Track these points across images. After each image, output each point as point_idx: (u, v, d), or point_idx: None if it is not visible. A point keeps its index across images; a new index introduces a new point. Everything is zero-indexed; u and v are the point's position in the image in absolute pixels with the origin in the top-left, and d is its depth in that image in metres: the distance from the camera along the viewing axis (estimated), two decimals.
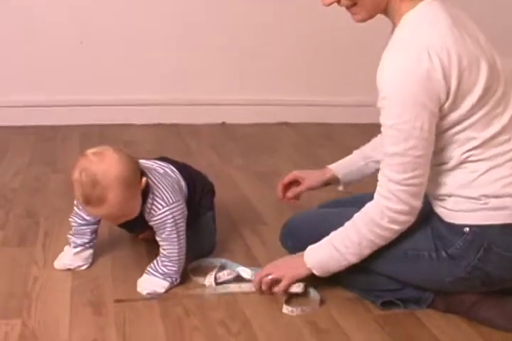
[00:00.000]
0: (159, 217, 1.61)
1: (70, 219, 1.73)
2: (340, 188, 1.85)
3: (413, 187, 1.42)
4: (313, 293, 1.63)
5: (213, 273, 1.69)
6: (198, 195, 1.79)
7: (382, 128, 1.42)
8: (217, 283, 1.67)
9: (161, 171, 1.70)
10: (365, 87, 3.28)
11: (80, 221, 1.71)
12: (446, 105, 1.38)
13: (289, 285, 1.59)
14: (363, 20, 1.48)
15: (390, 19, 1.48)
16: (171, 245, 1.63)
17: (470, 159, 1.44)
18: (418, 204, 1.44)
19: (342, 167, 1.83)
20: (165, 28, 3.08)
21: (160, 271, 1.64)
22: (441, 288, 1.58)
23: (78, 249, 1.73)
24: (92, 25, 3.00)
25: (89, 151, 1.53)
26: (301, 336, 1.49)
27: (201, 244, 1.79)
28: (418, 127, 1.36)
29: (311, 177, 1.85)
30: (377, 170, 1.72)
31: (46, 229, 1.95)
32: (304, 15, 3.19)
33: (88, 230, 1.73)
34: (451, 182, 1.46)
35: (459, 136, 1.42)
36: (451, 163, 1.45)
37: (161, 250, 1.65)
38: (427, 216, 1.53)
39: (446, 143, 1.44)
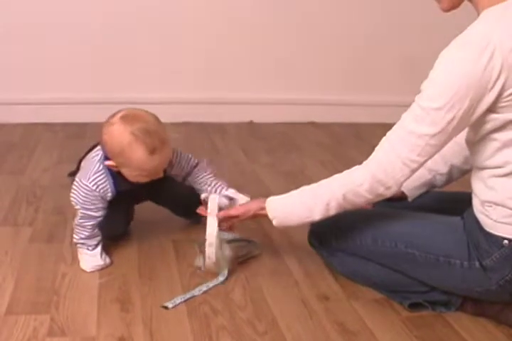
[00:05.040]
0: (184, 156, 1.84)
1: (84, 227, 1.72)
2: (410, 200, 1.78)
3: (408, 168, 1.40)
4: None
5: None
6: None
7: (413, 104, 1.38)
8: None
9: None
10: (393, 86, 3.30)
11: (93, 222, 1.72)
12: (500, 105, 1.33)
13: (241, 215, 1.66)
14: (448, 10, 1.41)
15: (475, 9, 1.40)
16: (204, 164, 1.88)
17: None
18: (401, 182, 1.43)
19: (407, 183, 1.76)
20: (193, 27, 3.08)
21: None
22: (470, 296, 1.56)
23: (98, 248, 1.75)
24: (120, 23, 3.01)
25: (116, 119, 1.63)
26: (329, 337, 1.48)
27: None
28: (447, 119, 1.33)
29: None
30: (444, 183, 1.74)
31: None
32: (331, 15, 3.18)
33: (97, 229, 1.74)
34: (504, 190, 1.39)
35: None
36: (508, 169, 1.37)
37: (201, 175, 1.86)
38: (465, 221, 1.50)
39: (503, 146, 1.37)
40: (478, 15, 1.37)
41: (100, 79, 3.09)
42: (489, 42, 1.28)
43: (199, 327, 1.49)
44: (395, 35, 3.23)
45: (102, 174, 1.68)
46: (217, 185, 1.86)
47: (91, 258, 1.73)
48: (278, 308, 1.59)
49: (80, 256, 1.75)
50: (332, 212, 1.52)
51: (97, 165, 1.69)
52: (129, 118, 1.62)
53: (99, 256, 1.73)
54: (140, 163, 1.61)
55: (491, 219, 1.41)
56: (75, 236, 1.74)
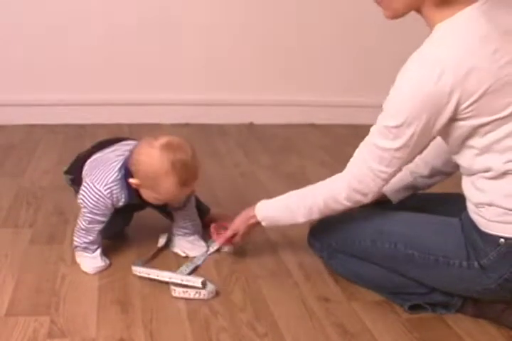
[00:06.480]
0: None
1: (91, 231, 1.71)
2: (394, 203, 1.81)
3: (379, 178, 1.47)
4: (210, 286, 1.64)
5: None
6: None
7: (377, 120, 1.46)
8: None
9: None
10: None
11: (100, 227, 1.72)
12: (460, 117, 1.37)
13: (245, 235, 1.76)
14: (391, 18, 1.47)
15: (426, 24, 1.44)
16: (193, 209, 1.88)
17: None
18: (376, 190, 1.50)
19: (390, 186, 1.77)
20: (193, 28, 3.08)
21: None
22: (470, 296, 1.56)
23: (99, 250, 1.75)
24: (121, 25, 3.02)
25: (159, 143, 1.62)
26: (329, 338, 1.48)
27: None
28: (408, 134, 1.39)
29: None
30: (427, 185, 1.78)
31: (74, 227, 1.96)
32: (332, 16, 3.18)
33: (99, 234, 1.74)
34: (494, 191, 1.41)
35: (497, 145, 1.38)
36: (494, 172, 1.39)
37: (184, 218, 1.85)
38: (462, 221, 1.51)
39: (481, 152, 1.40)
40: (431, 29, 1.41)
41: (100, 81, 3.09)
42: (440, 59, 1.33)
43: (199, 328, 1.49)
44: (396, 37, 3.23)
45: (118, 183, 1.68)
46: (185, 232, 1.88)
47: (92, 260, 1.73)
48: (278, 310, 1.59)
49: (79, 259, 1.75)
50: (315, 216, 1.61)
51: (116, 174, 1.68)
52: (173, 146, 1.63)
53: (99, 258, 1.73)
54: (168, 192, 1.64)
55: (485, 218, 1.43)
56: (77, 240, 1.73)
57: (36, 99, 3.05)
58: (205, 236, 1.90)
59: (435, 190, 1.81)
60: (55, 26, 2.96)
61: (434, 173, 1.76)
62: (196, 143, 2.86)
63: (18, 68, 2.99)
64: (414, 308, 1.60)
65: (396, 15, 1.46)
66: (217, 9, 3.09)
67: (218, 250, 1.85)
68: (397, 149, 1.42)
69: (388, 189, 1.78)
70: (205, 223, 1.94)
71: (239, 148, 2.91)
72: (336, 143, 3.05)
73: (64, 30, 2.97)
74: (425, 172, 1.76)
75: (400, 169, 1.49)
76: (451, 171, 1.70)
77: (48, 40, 2.98)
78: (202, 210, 1.97)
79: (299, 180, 2.48)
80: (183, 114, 3.16)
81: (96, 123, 3.05)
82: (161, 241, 1.87)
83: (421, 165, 1.76)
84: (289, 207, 1.63)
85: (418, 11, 1.43)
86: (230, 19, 3.11)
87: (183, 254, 1.83)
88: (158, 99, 3.13)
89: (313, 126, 3.31)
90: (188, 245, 1.86)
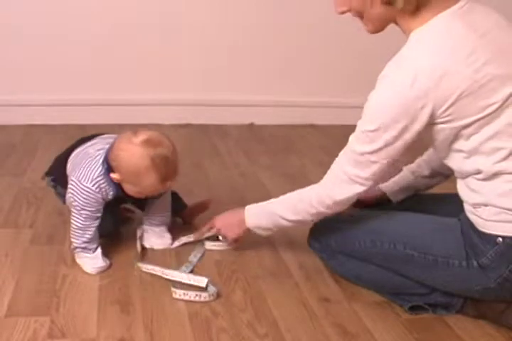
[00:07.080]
0: None
1: (87, 229, 1.71)
2: (394, 202, 1.84)
3: (355, 183, 1.49)
4: (211, 288, 1.65)
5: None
6: None
7: (356, 126, 1.47)
8: None
9: None
10: None
11: (96, 223, 1.72)
12: (439, 121, 1.38)
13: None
14: (372, 32, 1.51)
15: (403, 32, 1.47)
16: (168, 201, 1.89)
17: (504, 170, 1.39)
18: (352, 196, 1.52)
19: (391, 185, 1.82)
20: (193, 28, 3.08)
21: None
22: (470, 296, 1.57)
23: (99, 249, 1.75)
24: (121, 25, 3.01)
25: (139, 140, 1.62)
26: (329, 339, 1.49)
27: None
28: (385, 138, 1.41)
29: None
30: (427, 186, 1.81)
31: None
32: (333, 16, 3.18)
33: (96, 231, 1.74)
34: (488, 192, 1.41)
35: (483, 147, 1.39)
36: (484, 174, 1.40)
37: (156, 207, 1.87)
38: (460, 222, 1.51)
39: (469, 155, 1.41)
40: (407, 36, 1.44)
41: (100, 81, 3.08)
42: (415, 64, 1.35)
43: (200, 329, 1.50)
44: (395, 38, 3.22)
45: (104, 177, 1.69)
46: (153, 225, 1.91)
47: (92, 260, 1.73)
48: (278, 310, 1.59)
49: (79, 261, 1.74)
50: (299, 221, 1.64)
51: (100, 168, 1.69)
52: (153, 142, 1.63)
53: (100, 258, 1.73)
54: (149, 186, 1.66)
55: (482, 218, 1.44)
56: (75, 240, 1.72)
57: (36, 99, 3.05)
58: (186, 232, 1.94)
59: (435, 190, 1.82)
60: (54, 26, 2.95)
61: (434, 174, 1.77)
62: (196, 144, 2.91)
63: (18, 68, 2.99)
64: (414, 309, 1.60)
65: (377, 29, 1.50)
66: (218, 9, 3.09)
67: (215, 240, 1.88)
68: (372, 152, 1.44)
69: (388, 189, 1.79)
70: (184, 217, 2.02)
71: (239, 148, 2.91)
72: (336, 144, 3.01)
73: (64, 30, 2.97)
74: (426, 172, 1.77)
75: (375, 178, 1.48)
76: (449, 173, 1.70)
77: (48, 40, 2.97)
78: (179, 205, 1.99)
79: (298, 181, 2.48)
80: (183, 114, 3.17)
81: (96, 124, 3.04)
82: (139, 232, 1.90)
83: (422, 165, 1.77)
84: (270, 209, 1.67)
85: (394, 22, 1.46)
86: (230, 19, 3.11)
87: (148, 246, 1.87)
88: (158, 100, 3.13)
89: (312, 126, 3.31)
90: (154, 238, 1.88)
